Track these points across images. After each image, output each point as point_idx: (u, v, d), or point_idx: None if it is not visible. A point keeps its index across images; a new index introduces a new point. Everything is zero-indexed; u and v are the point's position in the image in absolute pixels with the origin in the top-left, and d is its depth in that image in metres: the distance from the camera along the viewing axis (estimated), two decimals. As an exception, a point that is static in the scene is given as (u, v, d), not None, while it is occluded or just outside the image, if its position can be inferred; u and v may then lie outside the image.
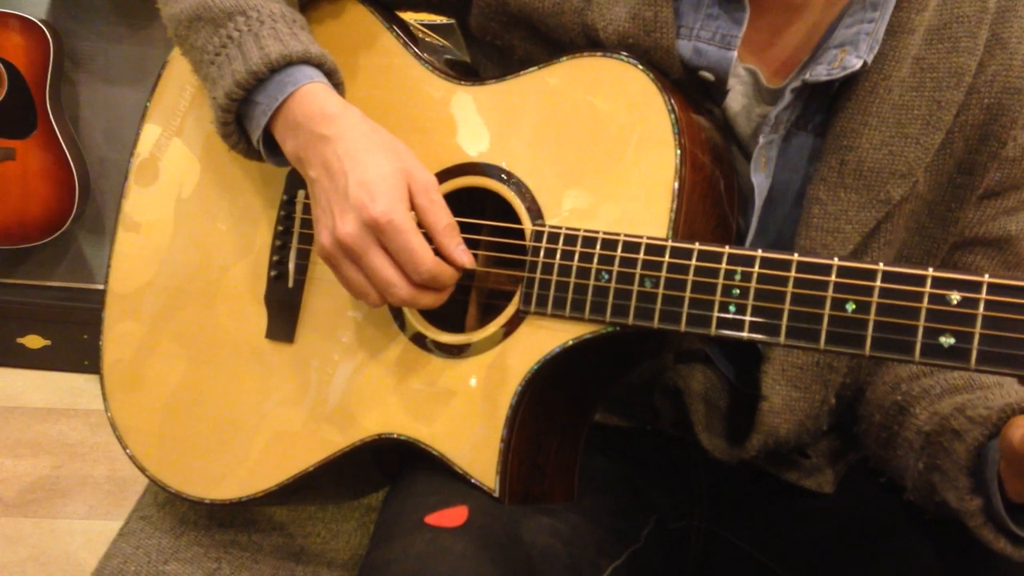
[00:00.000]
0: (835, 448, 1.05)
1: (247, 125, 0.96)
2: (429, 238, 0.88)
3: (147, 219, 1.13)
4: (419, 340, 0.95)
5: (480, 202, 0.96)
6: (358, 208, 0.86)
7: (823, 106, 0.93)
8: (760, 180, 0.94)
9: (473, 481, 0.90)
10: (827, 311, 0.76)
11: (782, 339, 0.78)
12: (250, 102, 0.94)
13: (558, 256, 0.88)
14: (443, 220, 0.89)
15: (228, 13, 0.94)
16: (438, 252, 0.88)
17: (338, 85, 0.97)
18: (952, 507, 0.83)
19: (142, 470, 1.10)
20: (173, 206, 1.12)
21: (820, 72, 0.89)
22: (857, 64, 0.88)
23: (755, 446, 0.96)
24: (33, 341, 2.92)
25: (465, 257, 0.89)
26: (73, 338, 2.89)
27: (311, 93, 0.92)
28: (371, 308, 0.97)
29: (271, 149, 0.97)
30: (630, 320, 0.84)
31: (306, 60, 0.94)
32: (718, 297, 0.81)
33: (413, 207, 0.88)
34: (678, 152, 0.86)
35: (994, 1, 0.91)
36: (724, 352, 1.02)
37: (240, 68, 0.92)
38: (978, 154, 0.92)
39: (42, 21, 2.78)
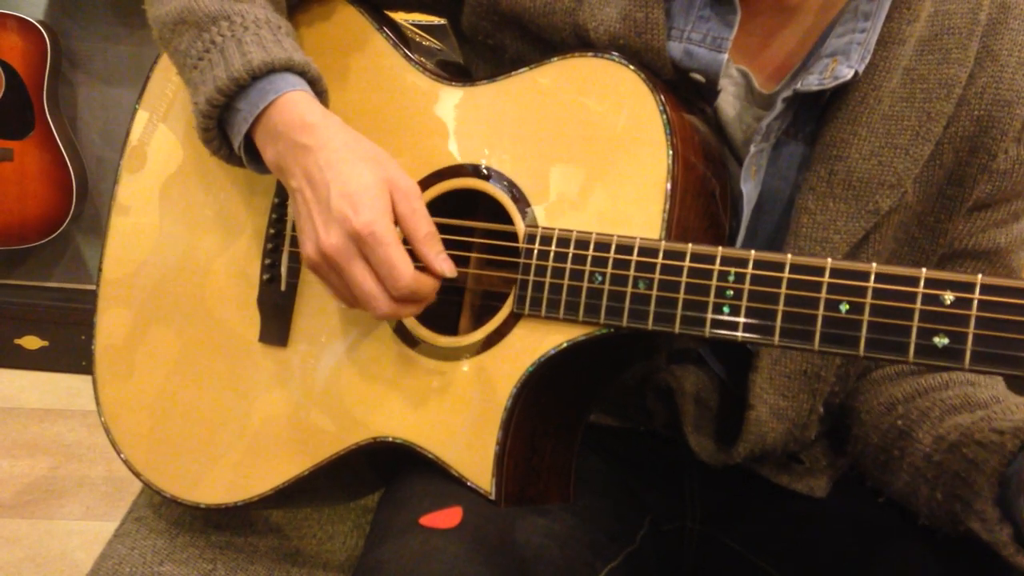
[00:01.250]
0: (829, 453, 1.05)
1: (228, 131, 0.96)
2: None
3: (140, 218, 1.12)
4: (414, 343, 0.95)
5: (472, 204, 0.96)
6: (341, 220, 0.86)
7: (814, 115, 0.93)
8: (749, 188, 0.93)
9: (469, 484, 0.90)
10: (821, 312, 0.76)
11: (776, 340, 0.78)
12: (231, 109, 0.94)
13: (551, 258, 0.87)
14: (423, 228, 0.88)
15: (212, 17, 0.94)
16: (419, 264, 0.88)
17: (321, 93, 0.96)
18: (981, 538, 0.82)
19: (137, 475, 1.09)
20: (165, 207, 1.11)
21: (811, 82, 0.88)
22: (848, 74, 0.87)
23: (741, 453, 0.97)
24: (31, 342, 2.92)
25: (445, 266, 0.88)
26: (71, 339, 2.89)
27: (292, 102, 0.92)
28: (364, 312, 0.97)
29: (252, 156, 0.96)
30: (624, 322, 0.84)
31: (289, 68, 0.93)
32: (712, 298, 0.80)
33: (395, 214, 0.87)
34: (670, 153, 0.85)
35: (985, 13, 0.91)
36: (715, 352, 1.02)
37: (222, 74, 0.91)
38: (968, 166, 0.92)
39: (40, 22, 2.79)
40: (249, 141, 0.95)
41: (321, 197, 0.87)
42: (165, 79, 1.13)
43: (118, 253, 1.13)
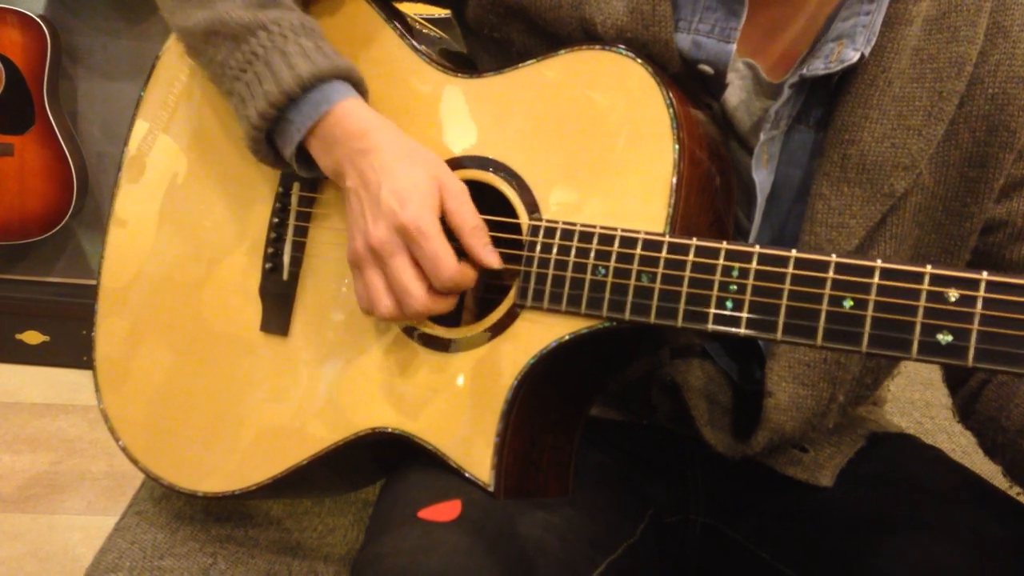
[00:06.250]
0: (833, 442, 1.05)
1: (277, 140, 0.97)
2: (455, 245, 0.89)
3: (139, 215, 1.12)
4: (414, 334, 0.95)
5: (477, 196, 0.96)
6: (389, 214, 0.88)
7: (823, 100, 0.93)
8: (762, 177, 0.93)
9: (467, 475, 0.90)
10: (824, 308, 0.76)
11: (778, 336, 0.78)
12: (283, 120, 0.95)
13: (555, 251, 0.87)
14: (471, 221, 0.90)
15: (248, 28, 0.94)
16: (462, 257, 0.89)
17: (364, 94, 0.97)
18: None
19: (135, 462, 1.09)
20: (166, 201, 1.11)
21: (817, 66, 0.88)
22: (854, 57, 0.87)
23: (760, 442, 0.96)
24: (32, 337, 2.92)
25: (492, 257, 0.90)
26: (72, 334, 2.89)
27: (346, 111, 0.93)
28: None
29: (302, 161, 0.97)
30: (627, 315, 0.84)
31: (336, 75, 0.94)
32: (715, 293, 0.80)
33: (444, 211, 0.90)
34: (676, 147, 0.85)
35: None
36: (726, 349, 1.02)
37: (272, 88, 0.92)
38: (988, 146, 0.91)
39: (40, 16, 2.78)
40: (299, 147, 0.96)
41: (373, 195, 0.90)
42: (166, 72, 1.13)
43: (119, 244, 1.13)
